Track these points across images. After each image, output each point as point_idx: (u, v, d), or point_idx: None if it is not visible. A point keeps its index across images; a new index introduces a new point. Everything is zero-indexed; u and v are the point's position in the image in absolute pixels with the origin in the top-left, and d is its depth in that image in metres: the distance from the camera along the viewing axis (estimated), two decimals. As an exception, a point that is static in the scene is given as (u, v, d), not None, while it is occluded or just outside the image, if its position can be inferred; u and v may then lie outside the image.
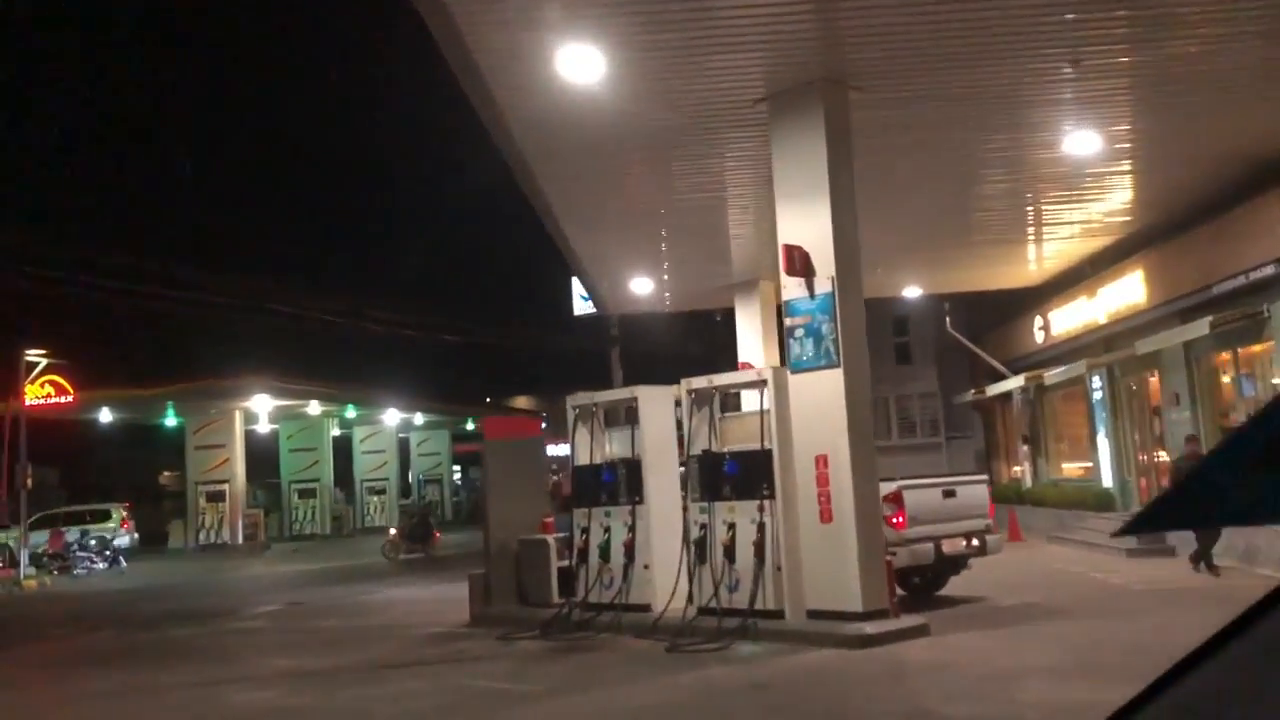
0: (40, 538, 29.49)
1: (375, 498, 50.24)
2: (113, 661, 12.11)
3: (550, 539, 12.71)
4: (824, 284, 10.05)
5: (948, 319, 25.84)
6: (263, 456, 43.09)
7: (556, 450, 68.19)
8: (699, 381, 11.41)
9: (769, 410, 10.51)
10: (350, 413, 42.05)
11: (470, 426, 57.73)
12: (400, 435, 52.26)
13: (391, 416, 46.53)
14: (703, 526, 10.87)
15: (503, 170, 12.71)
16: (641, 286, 19.96)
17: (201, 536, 37.38)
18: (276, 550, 36.69)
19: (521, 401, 65.47)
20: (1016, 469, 25.74)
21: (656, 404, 11.93)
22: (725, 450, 10.98)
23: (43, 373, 32.54)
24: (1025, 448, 24.75)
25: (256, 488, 44.28)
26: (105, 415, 37.52)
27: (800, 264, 10.05)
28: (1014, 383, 23.18)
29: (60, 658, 13.53)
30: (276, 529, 41.94)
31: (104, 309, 33.28)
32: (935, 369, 28.89)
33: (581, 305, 31.03)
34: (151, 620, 17.31)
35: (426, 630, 12.75)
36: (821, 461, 10.01)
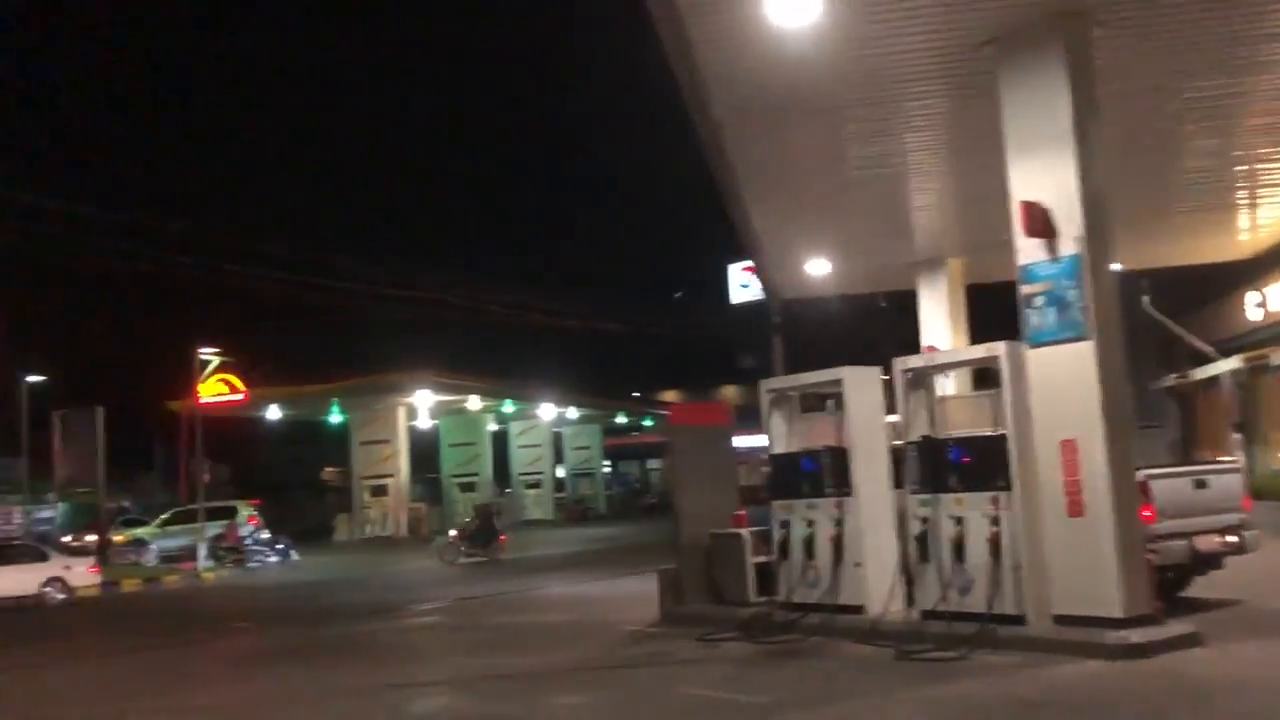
0: (169, 541, 30.49)
1: (531, 491, 50.54)
2: (302, 658, 11.84)
3: (745, 533, 11.83)
4: (1069, 245, 8.86)
5: (1145, 297, 23.83)
6: (423, 452, 43.67)
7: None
8: (916, 360, 10.34)
9: (1003, 391, 9.38)
10: (507, 407, 42.21)
11: (621, 420, 57.58)
12: (554, 430, 52.40)
13: (546, 411, 46.57)
14: (924, 521, 9.81)
15: (642, 166, 11.88)
16: (817, 268, 18.87)
17: (366, 530, 38.04)
18: (440, 543, 36.96)
19: (670, 395, 65.01)
20: (1227, 460, 23.52)
21: (863, 386, 10.89)
22: (949, 436, 9.89)
23: (215, 371, 33.56)
24: (1237, 436, 22.58)
25: (416, 482, 44.95)
26: (274, 413, 38.53)
27: (1041, 223, 8.89)
28: (1227, 365, 21.14)
29: (248, 654, 13.42)
30: (437, 522, 42.40)
31: (270, 305, 34.06)
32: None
33: (739, 293, 30.18)
34: (329, 614, 17.21)
35: (618, 628, 12.06)
36: (1068, 447, 8.82)
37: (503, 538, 27.41)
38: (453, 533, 27.34)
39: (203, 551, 27.73)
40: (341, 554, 34.40)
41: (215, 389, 35.02)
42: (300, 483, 61.34)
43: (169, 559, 30.06)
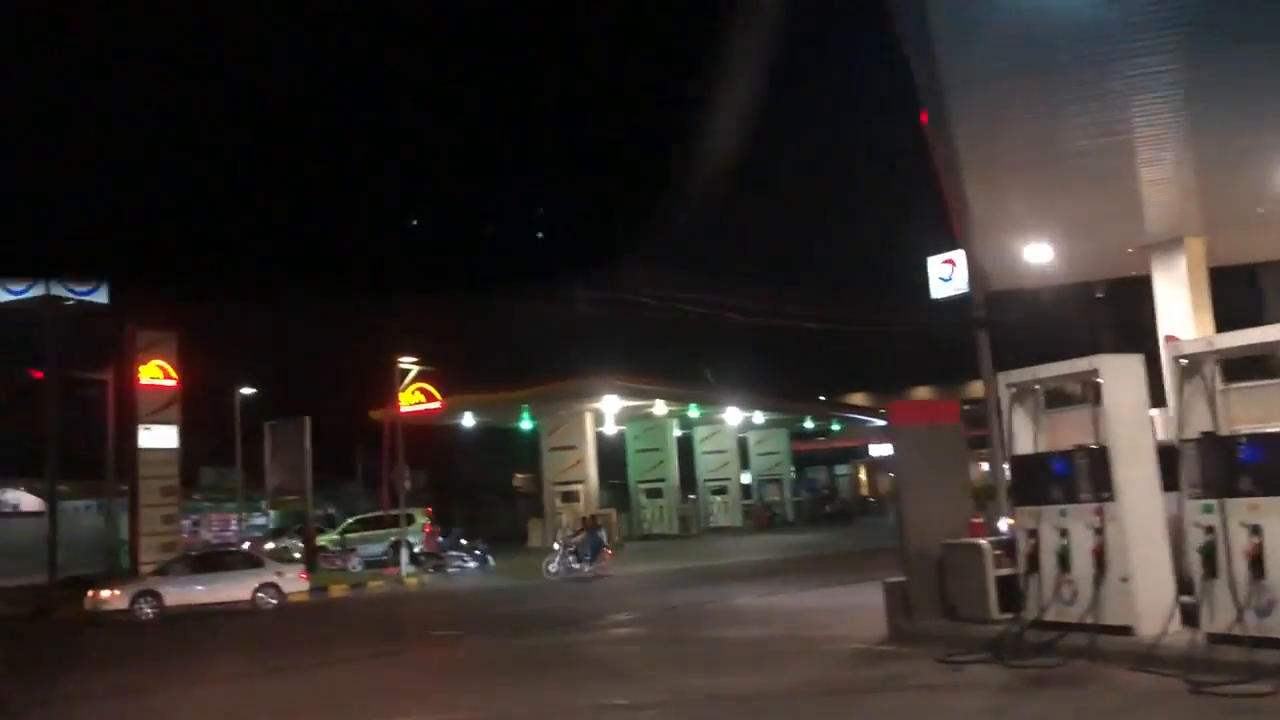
0: (373, 548, 31.32)
1: (718, 498, 49.81)
2: (512, 672, 11.45)
3: (984, 543, 10.69)
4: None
5: None
6: (610, 458, 43.56)
7: (887, 449, 65.20)
8: (1195, 345, 9.02)
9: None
10: (693, 412, 41.64)
11: (809, 425, 56.19)
12: (739, 435, 51.50)
13: (732, 416, 45.76)
14: (1209, 530, 8.48)
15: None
16: (1037, 254, 17.37)
17: (558, 535, 38.17)
18: (630, 550, 36.79)
19: (857, 398, 63.13)
20: None
21: (1124, 376, 9.61)
22: (1238, 432, 8.53)
23: (413, 380, 34.32)
24: None
25: (603, 488, 44.98)
26: (468, 420, 39.22)
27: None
28: None
29: (456, 665, 13.15)
30: (626, 528, 42.26)
31: (466, 313, 34.65)
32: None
33: (940, 287, 28.47)
34: (530, 621, 16.94)
35: (843, 646, 11.14)
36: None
37: (609, 552, 26.66)
38: (556, 546, 26.63)
39: (405, 557, 28.24)
40: (535, 559, 34.56)
41: (413, 398, 35.91)
42: (492, 489, 62.81)
43: (372, 564, 30.88)
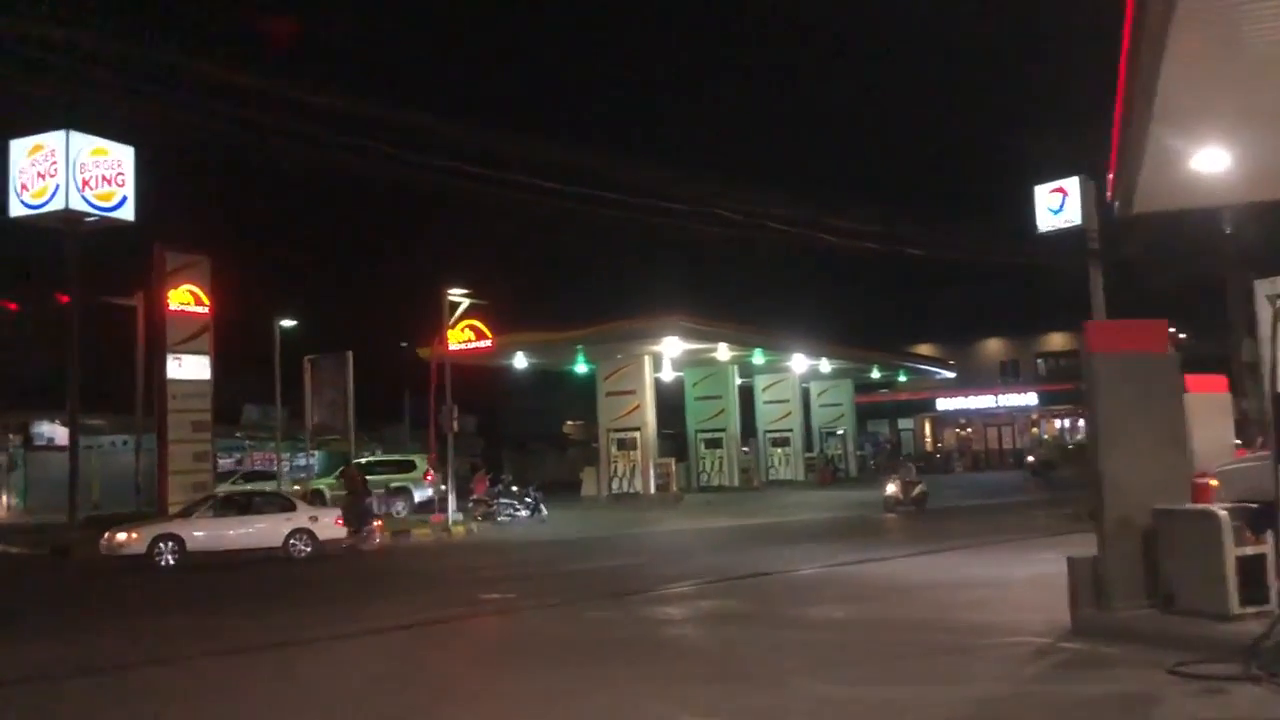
0: (423, 492, 29.10)
1: (778, 450, 47.28)
2: (591, 660, 8.96)
3: (1220, 511, 8.01)
4: None
5: None
6: (665, 406, 40.89)
7: (962, 403, 61.67)
8: None
9: None
10: (758, 358, 38.96)
11: (875, 375, 53.24)
12: (802, 386, 48.79)
13: (797, 364, 43.01)
14: None
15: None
16: (1209, 162, 14.39)
17: (614, 485, 35.93)
18: (690, 502, 34.47)
19: (924, 349, 59.87)
20: None
21: None
22: None
23: (464, 316, 32.01)
24: None
25: (660, 438, 42.64)
26: (520, 361, 36.89)
27: None
28: None
29: (509, 644, 10.74)
30: (685, 480, 39.94)
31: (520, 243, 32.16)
32: None
33: (1048, 220, 25.47)
34: (593, 582, 14.60)
35: (1014, 640, 8.60)
36: None
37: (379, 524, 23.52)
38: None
39: (453, 503, 26.09)
40: (589, 510, 32.34)
41: (462, 336, 33.64)
42: (544, 436, 60.78)
43: (422, 508, 28.85)
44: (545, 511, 27.28)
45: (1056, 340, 61.30)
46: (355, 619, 11.65)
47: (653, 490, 35.25)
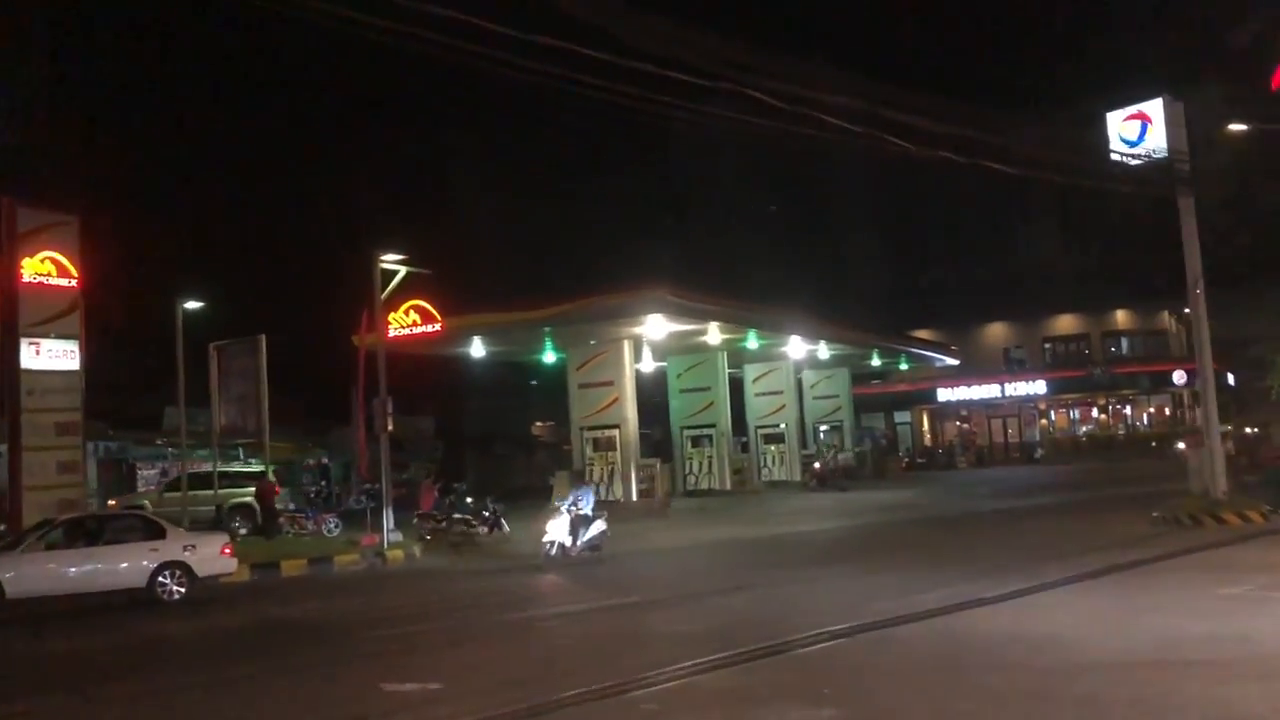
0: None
1: (771, 447, 42.33)
2: None
3: None
4: None
5: None
6: (643, 401, 35.62)
7: (964, 393, 57.12)
8: None
9: None
10: (751, 342, 33.95)
11: (875, 362, 48.34)
12: (795, 377, 43.84)
13: (794, 349, 38.01)
14: None
15: None
16: None
17: (590, 492, 30.77)
18: (679, 509, 29.40)
19: (924, 334, 55.01)
20: None
21: None
22: None
23: (405, 293, 26.90)
24: None
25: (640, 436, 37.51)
26: (477, 349, 31.67)
27: None
28: None
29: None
30: (669, 483, 34.83)
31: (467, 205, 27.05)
32: None
33: (1123, 149, 20.69)
34: (572, 651, 9.56)
35: None
36: None
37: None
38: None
39: (389, 520, 20.93)
40: (561, 523, 27.20)
41: (407, 319, 28.45)
42: (510, 437, 55.39)
43: (355, 523, 23.67)
44: (507, 527, 22.14)
45: (1064, 323, 56.76)
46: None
47: (634, 497, 30.16)
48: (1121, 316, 56.11)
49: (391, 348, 29.73)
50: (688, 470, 36.61)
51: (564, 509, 18.19)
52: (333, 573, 18.93)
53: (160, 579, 14.85)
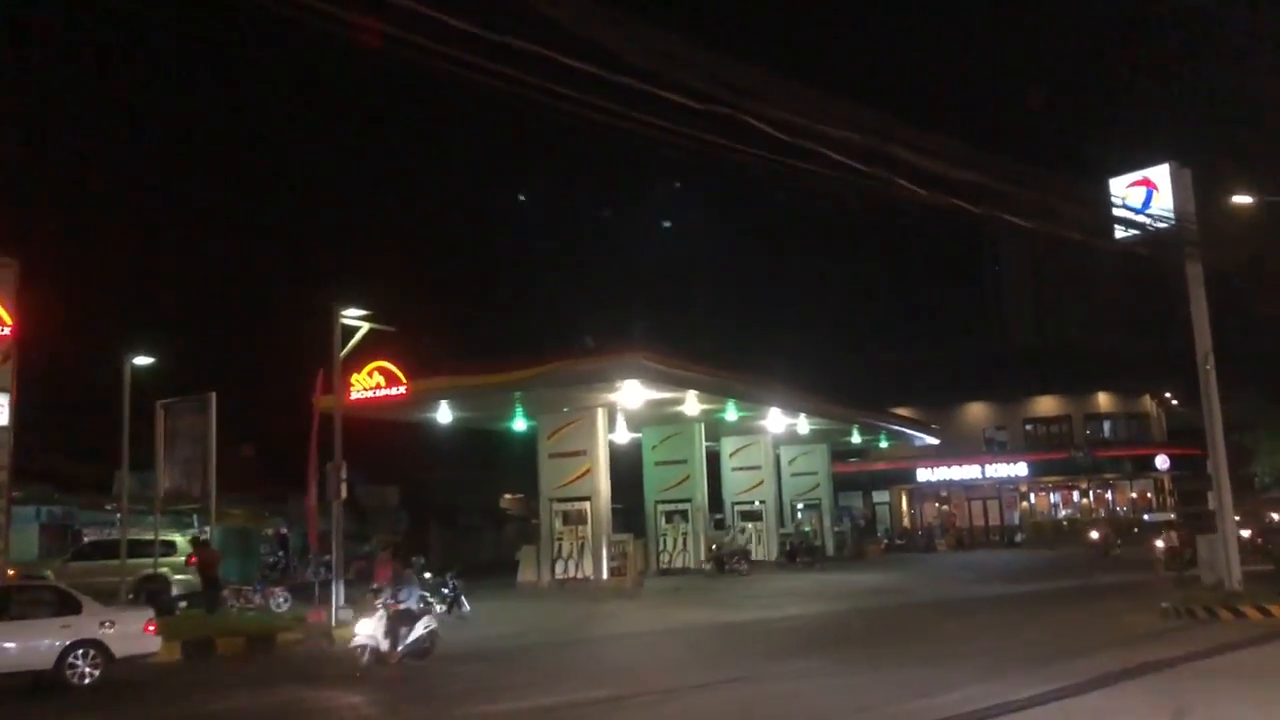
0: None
1: (749, 524, 40.79)
2: None
3: None
4: None
5: None
6: (616, 474, 33.94)
7: (944, 473, 55.83)
8: None
9: None
10: (730, 413, 32.68)
11: (856, 438, 47.06)
12: (773, 452, 42.49)
13: (773, 422, 36.74)
14: None
15: None
16: None
17: (558, 569, 29.10)
18: (652, 589, 27.75)
19: (903, 412, 53.92)
20: None
21: None
22: None
23: (368, 353, 25.55)
24: None
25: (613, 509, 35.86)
26: (444, 415, 30.17)
27: None
28: None
29: None
30: (642, 561, 33.18)
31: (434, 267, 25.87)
32: None
33: (1120, 230, 19.79)
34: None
35: None
36: None
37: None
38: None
39: (340, 596, 19.28)
40: (527, 602, 25.55)
41: (370, 381, 27.06)
42: (479, 510, 53.49)
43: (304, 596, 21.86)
44: (467, 606, 20.50)
45: (1045, 404, 55.84)
46: None
47: (605, 575, 28.54)
48: (1104, 399, 55.29)
49: (354, 411, 28.31)
50: (661, 547, 34.98)
51: (379, 603, 14.63)
52: (272, 652, 17.23)
53: (71, 660, 13.19)
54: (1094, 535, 40.64)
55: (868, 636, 17.01)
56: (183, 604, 21.96)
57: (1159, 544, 26.51)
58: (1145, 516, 49.21)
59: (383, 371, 26.69)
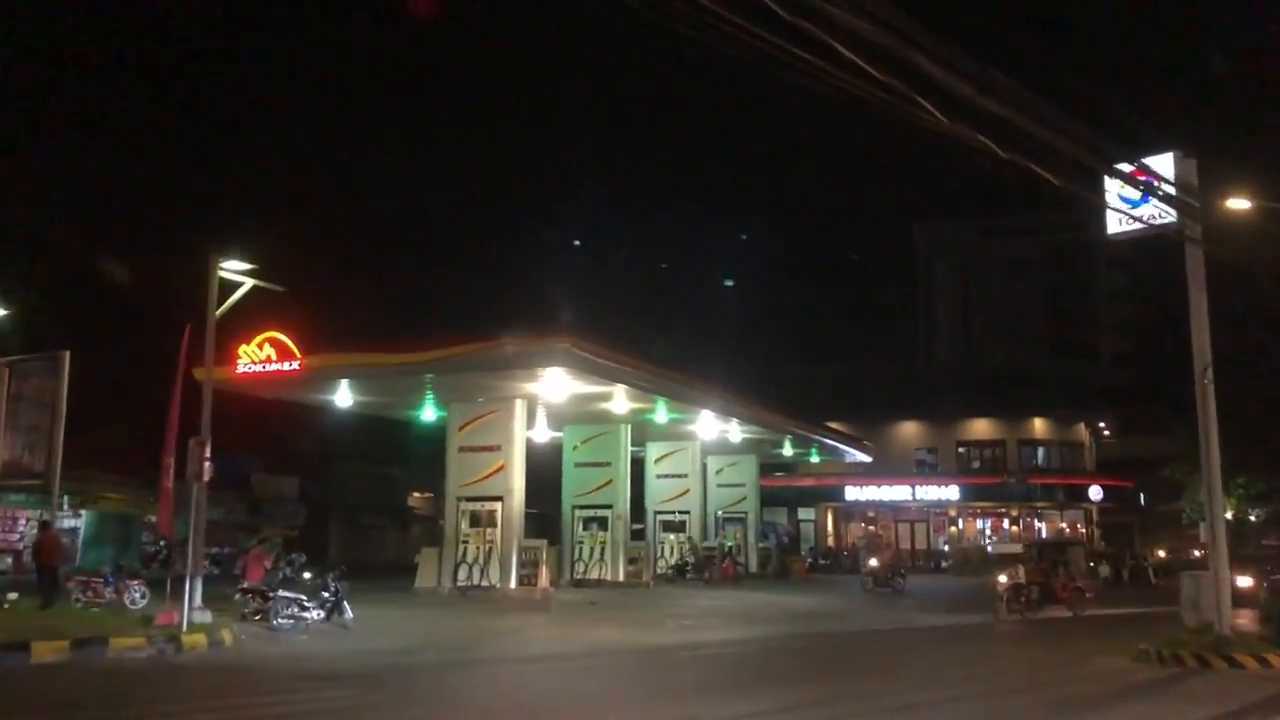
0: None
1: (671, 536, 38.40)
2: None
3: None
4: None
5: None
6: (532, 476, 31.09)
7: (874, 493, 53.95)
8: None
9: None
10: (660, 414, 30.23)
11: (787, 450, 44.91)
12: (701, 461, 40.10)
13: (704, 427, 34.39)
14: None
15: None
16: None
17: (461, 575, 26.23)
18: (565, 602, 25.03)
19: (838, 425, 51.98)
20: None
21: None
22: None
23: (260, 322, 22.65)
24: None
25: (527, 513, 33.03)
26: (344, 398, 27.19)
27: None
28: None
29: None
30: (555, 570, 30.46)
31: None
32: None
33: (1114, 224, 17.77)
34: None
35: None
36: None
37: None
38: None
39: (197, 596, 16.28)
40: (423, 610, 22.63)
41: (260, 353, 24.06)
42: (386, 507, 50.30)
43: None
44: (350, 613, 17.59)
45: (979, 428, 54.43)
46: None
47: (513, 584, 25.78)
48: (1039, 425, 54.06)
49: (243, 388, 25.24)
50: (577, 556, 32.29)
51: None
52: (103, 658, 14.17)
53: None
54: (873, 562, 35.18)
55: (815, 671, 14.60)
56: (12, 595, 18.66)
57: (1002, 579, 23.10)
58: (988, 547, 46.47)
59: (274, 343, 23.74)
